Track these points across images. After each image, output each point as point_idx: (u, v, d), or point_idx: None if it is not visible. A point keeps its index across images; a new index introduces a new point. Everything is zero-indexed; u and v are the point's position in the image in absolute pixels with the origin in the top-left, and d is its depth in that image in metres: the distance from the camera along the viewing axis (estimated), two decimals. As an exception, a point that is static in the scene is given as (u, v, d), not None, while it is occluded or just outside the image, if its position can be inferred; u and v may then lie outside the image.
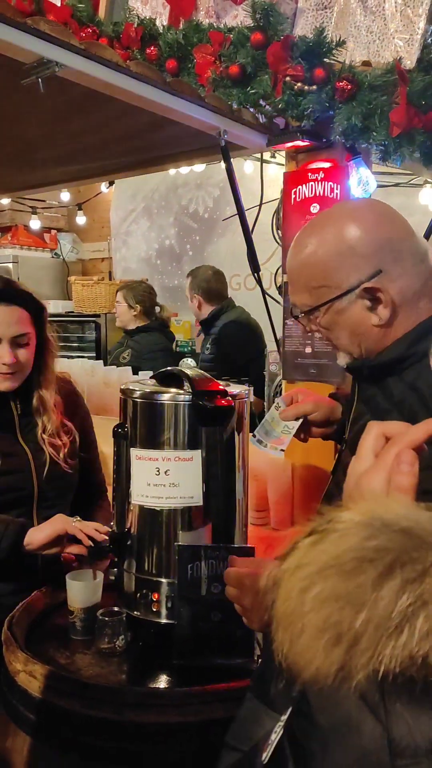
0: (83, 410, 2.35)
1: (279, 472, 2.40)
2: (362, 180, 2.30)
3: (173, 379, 1.72)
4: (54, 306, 6.28)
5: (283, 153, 2.54)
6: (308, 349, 2.39)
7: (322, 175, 2.31)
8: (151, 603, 1.67)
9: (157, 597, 1.67)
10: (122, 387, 1.76)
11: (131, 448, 1.68)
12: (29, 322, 2.06)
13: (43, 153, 2.92)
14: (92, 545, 1.92)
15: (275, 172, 3.51)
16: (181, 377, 1.69)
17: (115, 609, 1.71)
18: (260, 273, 2.53)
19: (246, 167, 4.10)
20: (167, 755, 1.41)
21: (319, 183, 2.32)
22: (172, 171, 5.08)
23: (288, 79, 2.11)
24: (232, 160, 2.45)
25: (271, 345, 3.01)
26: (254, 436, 1.87)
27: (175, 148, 2.80)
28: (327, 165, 2.31)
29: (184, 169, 4.82)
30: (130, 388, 1.73)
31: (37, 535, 1.92)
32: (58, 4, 2.44)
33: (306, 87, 2.12)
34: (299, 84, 2.12)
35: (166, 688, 1.56)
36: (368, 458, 0.77)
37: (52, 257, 7.28)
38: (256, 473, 2.31)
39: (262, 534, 2.35)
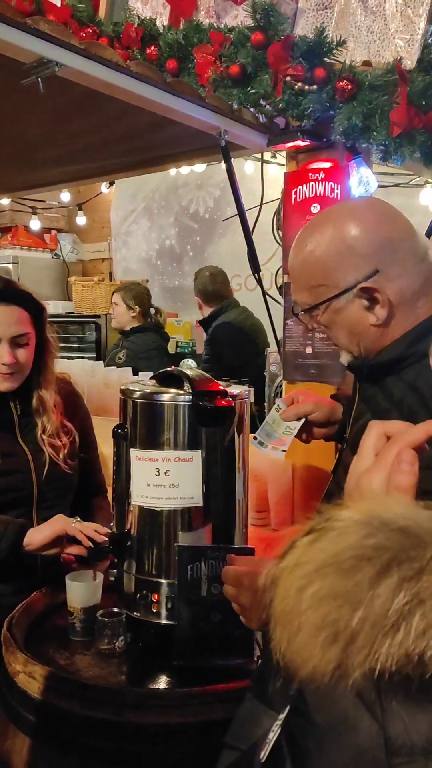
0: (83, 411, 2.35)
1: (279, 473, 2.40)
2: (363, 180, 2.30)
3: (173, 380, 1.72)
4: (54, 307, 6.28)
5: (284, 153, 2.54)
6: (309, 350, 2.39)
7: (322, 175, 2.31)
8: (150, 604, 1.67)
9: (156, 598, 1.66)
10: (122, 387, 1.76)
11: (131, 449, 1.68)
12: (29, 322, 2.06)
13: (43, 153, 2.92)
14: (92, 546, 1.91)
15: (276, 172, 3.52)
16: (181, 378, 1.69)
17: (115, 610, 1.70)
18: (261, 273, 2.53)
19: (246, 167, 4.10)
20: (167, 756, 1.41)
21: (320, 183, 2.31)
22: (172, 171, 5.09)
23: (288, 79, 2.11)
24: (232, 160, 2.45)
25: (271, 345, 3.01)
26: (255, 438, 1.86)
27: (176, 148, 2.80)
28: (327, 165, 2.30)
29: (185, 170, 4.82)
30: (130, 388, 1.72)
31: (36, 536, 1.92)
32: (59, 5, 2.44)
33: (306, 87, 2.12)
34: (300, 84, 2.12)
35: (166, 688, 1.56)
36: (369, 457, 0.77)
37: (53, 258, 7.28)
38: (256, 474, 2.31)
39: (262, 535, 2.34)
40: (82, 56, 1.88)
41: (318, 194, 2.32)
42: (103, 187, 6.23)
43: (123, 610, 1.70)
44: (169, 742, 1.40)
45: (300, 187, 2.35)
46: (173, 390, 1.66)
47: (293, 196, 2.38)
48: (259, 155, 3.25)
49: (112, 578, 1.77)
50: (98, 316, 6.05)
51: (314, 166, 2.33)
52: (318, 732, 0.57)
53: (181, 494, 1.63)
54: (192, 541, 1.64)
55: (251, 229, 2.61)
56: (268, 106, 2.23)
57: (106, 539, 1.88)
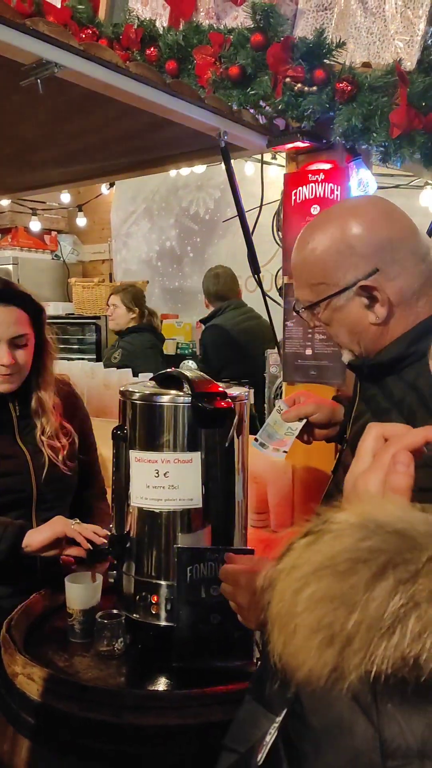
0: (82, 412, 2.35)
1: (279, 475, 2.39)
2: (362, 181, 2.30)
3: (173, 381, 1.72)
4: (54, 308, 6.29)
5: (284, 154, 2.53)
6: (308, 351, 2.39)
7: (322, 176, 2.31)
8: (150, 605, 1.67)
9: (156, 599, 1.66)
10: (121, 389, 1.76)
11: (130, 450, 1.68)
12: (28, 323, 2.06)
13: (43, 154, 2.92)
14: (91, 548, 1.91)
15: (276, 173, 3.51)
16: (180, 379, 1.69)
17: (114, 611, 1.70)
18: (261, 275, 2.53)
19: (247, 168, 4.10)
20: (166, 758, 1.41)
21: (320, 184, 2.31)
22: (172, 172, 5.09)
23: (288, 80, 2.11)
24: (232, 161, 2.45)
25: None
26: (256, 440, 1.86)
27: (176, 149, 2.80)
28: (327, 166, 2.30)
29: (185, 171, 4.82)
30: (130, 389, 1.72)
31: (35, 537, 1.92)
32: (59, 6, 2.44)
33: (306, 88, 2.12)
34: (299, 85, 2.12)
35: (165, 690, 1.56)
36: (366, 459, 0.77)
37: (53, 259, 7.29)
38: (256, 475, 2.31)
39: (262, 536, 2.34)
40: (81, 57, 1.88)
41: (318, 195, 2.32)
42: (104, 189, 6.24)
43: (122, 611, 1.70)
44: (169, 743, 1.40)
45: (300, 188, 2.35)
46: (173, 391, 1.66)
47: (293, 198, 2.38)
48: (259, 156, 3.24)
49: (112, 580, 1.77)
50: (98, 318, 6.06)
51: (314, 167, 2.33)
52: (314, 735, 0.57)
53: (181, 496, 1.63)
54: (191, 543, 1.64)
55: (251, 230, 2.61)
56: (267, 108, 2.23)
57: (106, 541, 1.88)
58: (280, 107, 2.16)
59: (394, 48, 2.17)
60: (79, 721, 1.41)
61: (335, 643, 0.52)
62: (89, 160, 3.04)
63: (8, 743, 1.51)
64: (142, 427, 1.69)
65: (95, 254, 7.51)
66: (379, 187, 2.46)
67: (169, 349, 5.91)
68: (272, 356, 2.98)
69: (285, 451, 1.83)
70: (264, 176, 3.15)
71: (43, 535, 1.92)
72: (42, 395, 2.11)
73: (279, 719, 0.63)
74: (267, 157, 3.40)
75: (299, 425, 1.83)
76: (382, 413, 1.41)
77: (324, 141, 2.27)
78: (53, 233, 7.29)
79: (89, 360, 5.25)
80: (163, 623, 1.65)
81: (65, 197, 6.17)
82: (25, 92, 1.93)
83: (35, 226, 6.71)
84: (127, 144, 2.74)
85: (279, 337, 2.52)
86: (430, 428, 0.74)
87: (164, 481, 1.63)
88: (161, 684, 1.57)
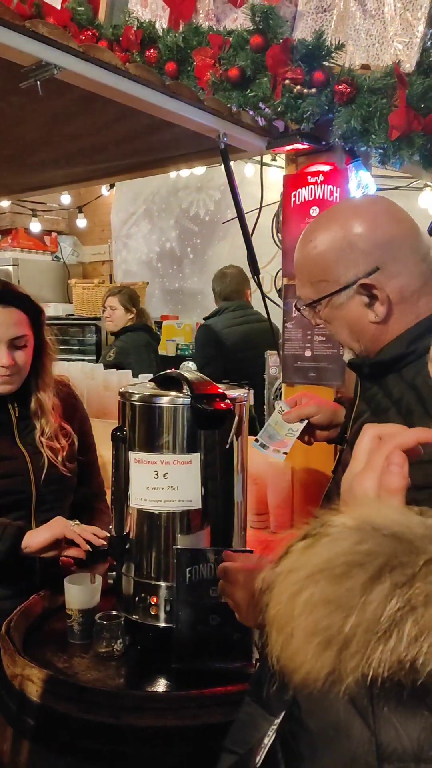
0: (81, 414, 2.35)
1: (279, 476, 2.39)
2: (362, 183, 2.30)
3: (172, 383, 1.72)
4: (54, 309, 6.29)
5: (283, 156, 2.54)
6: (308, 353, 2.39)
7: (321, 178, 2.31)
8: (149, 606, 1.67)
9: (155, 600, 1.66)
10: (121, 390, 1.76)
11: (130, 452, 1.68)
12: (27, 324, 2.06)
13: (43, 155, 2.92)
14: (90, 550, 1.91)
15: (275, 175, 3.51)
16: (180, 380, 1.69)
17: (114, 613, 1.70)
18: (260, 276, 2.53)
19: (246, 170, 4.10)
20: (165, 759, 1.41)
21: (319, 186, 2.32)
22: (172, 174, 5.09)
23: (287, 82, 2.12)
24: (232, 163, 2.45)
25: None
26: (257, 440, 1.86)
27: (175, 150, 2.80)
28: (326, 168, 2.30)
29: (185, 172, 4.82)
30: (129, 391, 1.72)
31: (35, 539, 1.92)
32: (58, 7, 2.44)
33: (305, 90, 2.12)
34: (298, 87, 2.12)
35: (164, 691, 1.56)
36: (363, 460, 0.77)
37: (53, 260, 7.29)
38: (255, 477, 2.31)
39: (261, 537, 2.34)
40: (80, 59, 1.88)
41: (317, 197, 2.32)
42: (104, 190, 6.24)
43: (121, 612, 1.70)
44: (167, 745, 1.40)
45: (299, 190, 2.36)
46: (172, 393, 1.66)
47: (292, 199, 2.38)
48: (258, 158, 3.24)
49: (111, 581, 1.76)
50: (98, 319, 6.06)
51: (313, 169, 2.33)
52: (311, 737, 0.57)
53: (180, 497, 1.63)
54: (191, 544, 1.64)
55: (251, 231, 2.61)
56: (267, 109, 2.23)
57: (105, 542, 1.88)
58: (279, 109, 2.16)
59: (393, 50, 2.18)
60: (77, 722, 1.41)
61: (332, 646, 0.52)
62: (89, 162, 3.04)
63: (7, 744, 1.51)
64: (141, 428, 1.69)
65: (95, 255, 7.51)
66: (378, 189, 2.47)
67: (169, 350, 5.92)
68: (272, 357, 2.98)
69: (286, 452, 1.83)
70: (264, 178, 3.15)
71: (42, 537, 1.92)
72: (41, 396, 2.11)
73: (277, 721, 0.63)
74: (267, 158, 3.40)
75: (300, 426, 1.83)
76: (382, 412, 1.41)
77: (323, 143, 2.28)
78: (53, 234, 7.29)
79: (89, 361, 5.25)
80: (163, 624, 1.65)
81: (65, 198, 6.18)
82: (24, 94, 1.93)
83: (35, 227, 6.71)
84: (126, 145, 2.74)
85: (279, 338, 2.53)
86: (423, 429, 0.74)
87: (164, 482, 1.63)
88: (160, 685, 1.57)
